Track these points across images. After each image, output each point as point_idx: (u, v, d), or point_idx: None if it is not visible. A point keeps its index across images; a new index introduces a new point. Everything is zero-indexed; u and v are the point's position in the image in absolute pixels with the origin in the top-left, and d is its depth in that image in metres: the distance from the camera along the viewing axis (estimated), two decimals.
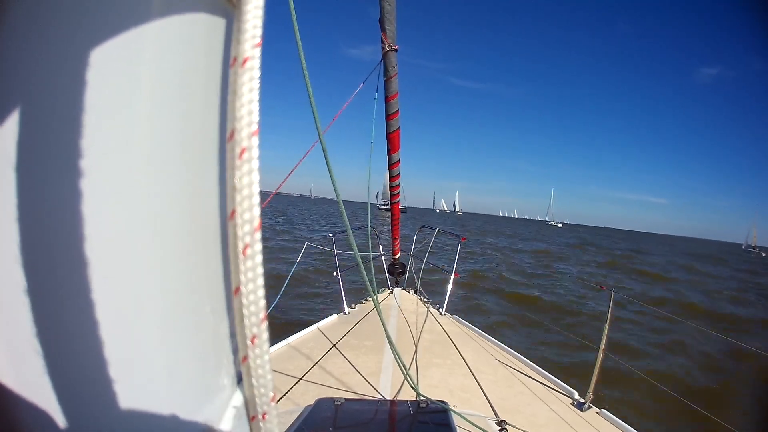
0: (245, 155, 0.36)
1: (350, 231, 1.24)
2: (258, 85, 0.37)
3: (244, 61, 0.36)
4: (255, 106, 0.36)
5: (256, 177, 0.37)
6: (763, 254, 61.45)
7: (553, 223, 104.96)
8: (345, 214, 1.17)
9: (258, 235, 0.38)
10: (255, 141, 0.37)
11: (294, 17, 0.69)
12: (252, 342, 0.39)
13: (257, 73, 0.37)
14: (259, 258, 0.38)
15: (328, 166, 1.08)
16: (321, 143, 1.04)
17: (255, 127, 0.36)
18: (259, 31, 0.37)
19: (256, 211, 0.37)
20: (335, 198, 1.13)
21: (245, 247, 0.37)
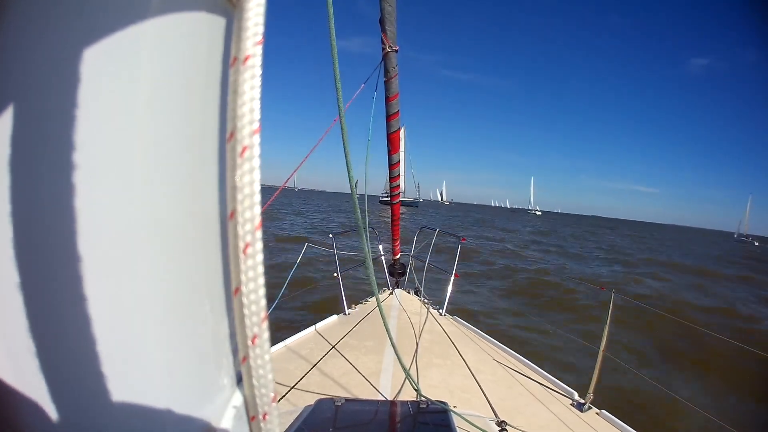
0: (246, 154, 0.36)
1: (362, 229, 1.24)
2: (259, 84, 0.36)
3: (245, 59, 0.36)
4: (256, 105, 0.36)
5: (256, 176, 0.37)
6: (756, 243, 57.61)
7: (532, 211, 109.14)
8: (359, 211, 1.18)
9: (258, 235, 0.38)
10: (256, 140, 0.36)
11: (330, 16, 0.67)
12: (252, 342, 0.38)
13: (258, 72, 0.36)
14: (260, 257, 0.38)
15: (347, 164, 1.07)
16: (344, 144, 1.04)
17: (256, 126, 0.36)
18: (260, 29, 0.37)
19: (257, 210, 0.37)
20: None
21: (245, 247, 0.37)
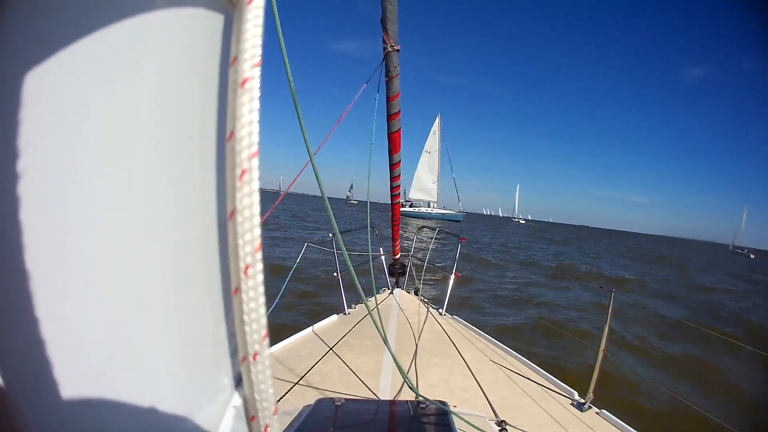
0: (245, 155, 0.36)
1: (339, 234, 1.25)
2: (258, 84, 0.36)
3: (245, 60, 0.36)
4: (255, 105, 0.36)
5: (256, 177, 0.37)
6: (752, 256, 53.93)
7: (516, 219, 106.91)
8: (334, 219, 1.18)
9: (258, 235, 0.38)
10: (255, 140, 0.37)
11: (282, 40, 0.67)
12: (252, 342, 0.39)
13: (257, 72, 0.37)
14: (259, 257, 0.38)
15: (319, 183, 1.08)
16: (312, 165, 1.04)
17: (255, 126, 0.36)
18: (259, 30, 0.37)
19: (256, 210, 0.37)
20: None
21: (245, 247, 0.37)
